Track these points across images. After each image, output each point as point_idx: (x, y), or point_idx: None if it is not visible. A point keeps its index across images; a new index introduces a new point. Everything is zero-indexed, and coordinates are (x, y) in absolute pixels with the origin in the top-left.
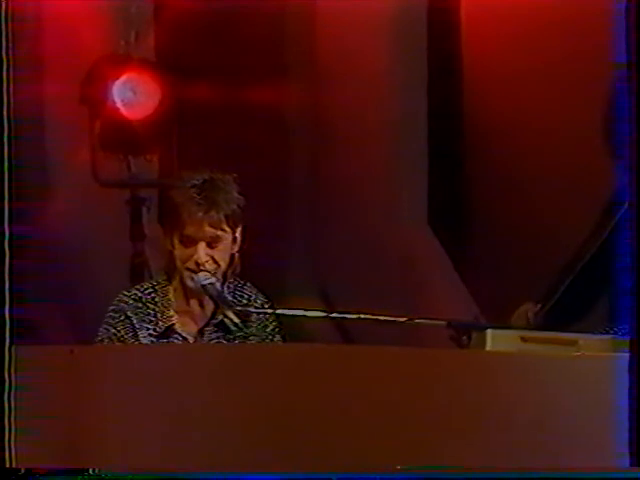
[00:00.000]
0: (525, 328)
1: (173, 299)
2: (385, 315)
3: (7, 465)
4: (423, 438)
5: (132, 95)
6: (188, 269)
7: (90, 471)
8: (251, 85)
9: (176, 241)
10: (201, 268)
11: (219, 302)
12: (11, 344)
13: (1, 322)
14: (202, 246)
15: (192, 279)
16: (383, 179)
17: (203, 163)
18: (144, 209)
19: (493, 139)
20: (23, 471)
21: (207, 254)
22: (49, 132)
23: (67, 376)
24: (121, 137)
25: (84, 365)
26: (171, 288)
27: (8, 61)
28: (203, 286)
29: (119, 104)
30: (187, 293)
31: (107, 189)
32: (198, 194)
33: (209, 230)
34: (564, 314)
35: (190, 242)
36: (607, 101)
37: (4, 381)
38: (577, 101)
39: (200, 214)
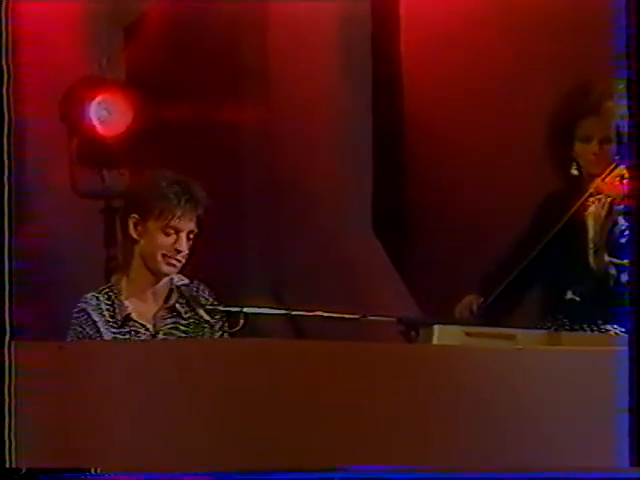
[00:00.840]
0: (468, 322)
1: (127, 292)
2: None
3: (7, 465)
4: (375, 430)
5: (107, 114)
6: (165, 255)
7: (92, 471)
8: (211, 101)
9: (155, 230)
10: (177, 257)
11: (191, 301)
12: (11, 340)
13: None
14: (184, 236)
15: (169, 264)
16: (332, 188)
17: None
18: (117, 218)
19: (433, 146)
20: (24, 471)
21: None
22: (32, 147)
23: (56, 370)
24: (96, 152)
25: (72, 360)
26: (124, 282)
27: (8, 84)
28: (178, 287)
29: (95, 122)
30: (140, 284)
31: (84, 199)
32: (183, 192)
33: (192, 224)
34: (505, 308)
35: (174, 232)
36: (551, 107)
37: (4, 377)
38: (514, 108)
39: (190, 208)
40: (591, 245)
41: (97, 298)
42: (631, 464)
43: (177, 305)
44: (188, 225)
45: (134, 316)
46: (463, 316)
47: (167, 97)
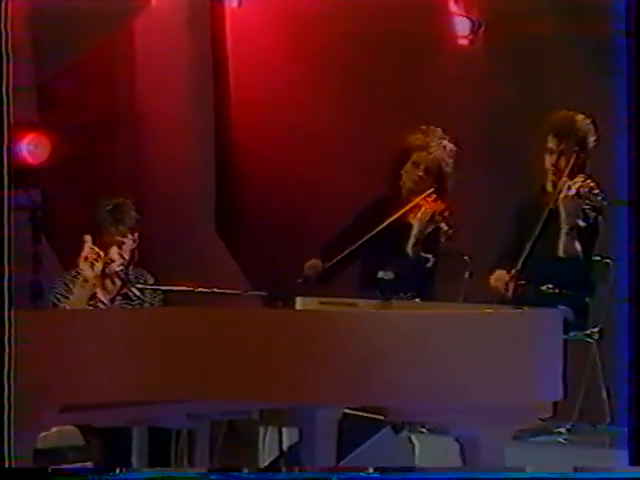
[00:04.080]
0: (321, 295)
1: (94, 278)
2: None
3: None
4: (261, 370)
5: (34, 148)
6: (106, 262)
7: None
8: (98, 138)
9: (99, 245)
10: (113, 263)
11: (126, 281)
12: (10, 309)
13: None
14: (114, 249)
15: (108, 268)
16: (184, 199)
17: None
18: (40, 224)
19: (263, 166)
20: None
21: (117, 253)
22: None
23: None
24: (26, 176)
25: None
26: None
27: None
28: (116, 272)
29: (25, 154)
30: (103, 276)
31: (17, 211)
32: (110, 215)
33: (118, 239)
34: (342, 273)
35: (107, 246)
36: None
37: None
38: (337, 111)
39: (112, 229)
40: (412, 240)
41: (74, 277)
42: (631, 464)
43: (129, 293)
44: (115, 241)
45: (99, 294)
46: (309, 274)
47: (70, 136)
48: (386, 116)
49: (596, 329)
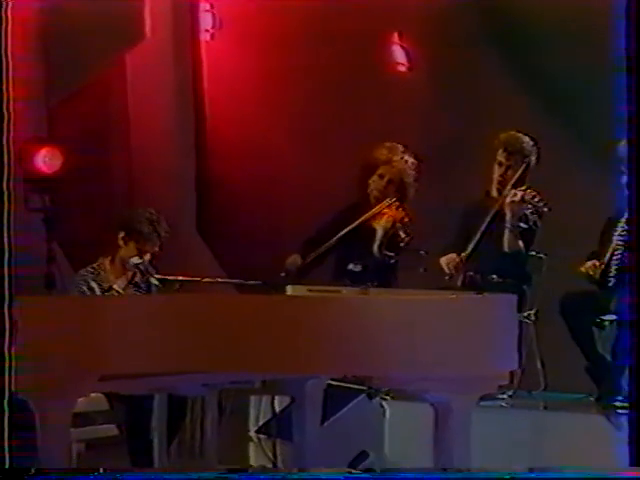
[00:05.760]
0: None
1: (111, 270)
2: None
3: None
4: (263, 345)
5: (48, 160)
6: (134, 264)
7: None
8: (93, 153)
9: (133, 248)
10: (140, 266)
11: (145, 273)
12: (10, 297)
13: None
14: (148, 255)
15: (129, 264)
16: (169, 202)
17: (87, 198)
18: (54, 224)
19: (236, 162)
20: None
21: (149, 256)
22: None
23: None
24: (41, 183)
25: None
26: (108, 263)
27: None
28: (135, 264)
29: (41, 164)
30: (119, 269)
31: (33, 213)
32: (153, 228)
33: (156, 249)
34: (318, 267)
35: (144, 252)
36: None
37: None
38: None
39: (156, 240)
40: (377, 242)
41: (95, 270)
42: (631, 464)
43: (138, 281)
44: (153, 250)
45: (115, 286)
46: (290, 268)
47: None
48: (356, 132)
49: (532, 311)
